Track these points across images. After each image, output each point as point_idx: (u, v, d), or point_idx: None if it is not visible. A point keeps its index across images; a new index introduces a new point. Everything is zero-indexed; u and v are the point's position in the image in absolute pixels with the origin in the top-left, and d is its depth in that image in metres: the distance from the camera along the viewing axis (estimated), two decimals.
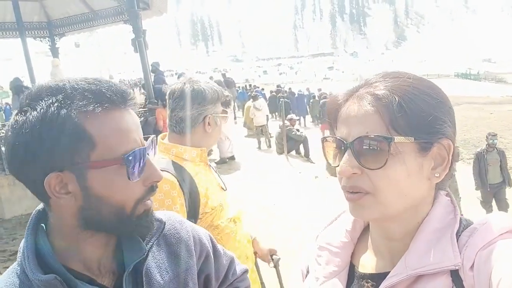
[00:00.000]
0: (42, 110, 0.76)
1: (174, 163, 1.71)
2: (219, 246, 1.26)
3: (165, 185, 1.59)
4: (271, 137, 13.25)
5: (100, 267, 0.90)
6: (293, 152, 11.89)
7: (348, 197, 0.82)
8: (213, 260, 1.18)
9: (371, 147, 0.77)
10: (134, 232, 0.90)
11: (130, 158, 0.81)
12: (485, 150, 8.08)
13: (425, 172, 0.79)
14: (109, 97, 0.81)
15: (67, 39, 10.60)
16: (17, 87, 8.78)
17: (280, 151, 11.53)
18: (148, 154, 0.88)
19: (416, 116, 0.77)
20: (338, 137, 0.83)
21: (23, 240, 0.85)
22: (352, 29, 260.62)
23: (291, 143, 11.59)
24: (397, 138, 0.76)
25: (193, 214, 1.68)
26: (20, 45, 9.37)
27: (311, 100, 21.06)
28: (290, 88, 26.89)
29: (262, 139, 13.26)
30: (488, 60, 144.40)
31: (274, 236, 5.06)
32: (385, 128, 0.77)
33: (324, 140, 0.88)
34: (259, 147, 12.89)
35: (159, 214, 1.03)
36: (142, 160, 0.85)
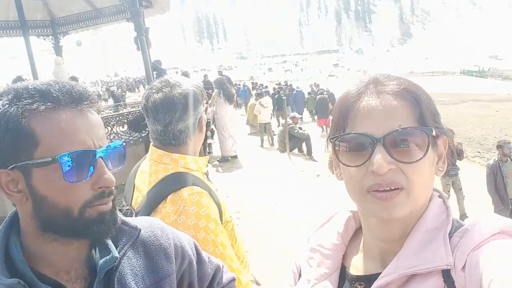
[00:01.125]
0: None
1: (189, 175, 1.59)
2: (204, 254, 1.25)
3: (204, 199, 1.51)
4: (274, 135, 13.23)
5: (71, 272, 0.89)
6: (296, 150, 11.86)
7: (381, 196, 0.77)
8: (196, 268, 1.17)
9: (408, 140, 0.77)
10: (85, 237, 0.88)
11: (65, 158, 0.80)
12: (499, 161, 7.01)
13: (434, 166, 0.82)
14: (55, 97, 0.81)
15: (69, 37, 10.59)
16: None
17: (282, 149, 11.50)
18: (102, 157, 0.86)
19: (431, 111, 0.81)
20: (361, 133, 0.79)
21: None
22: (357, 26, 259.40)
23: (294, 141, 11.55)
24: (435, 130, 0.79)
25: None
26: (24, 43, 9.41)
27: (307, 96, 21.45)
28: (290, 85, 27.18)
29: (265, 137, 13.25)
30: (494, 57, 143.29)
31: (273, 236, 5.05)
32: (415, 121, 0.78)
33: (335, 139, 0.85)
34: (262, 145, 12.88)
35: (136, 220, 1.03)
36: (87, 163, 0.83)
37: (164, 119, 1.58)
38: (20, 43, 9.55)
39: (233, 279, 1.37)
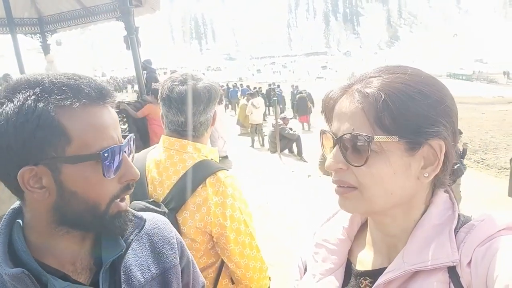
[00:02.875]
0: (18, 103, 0.75)
1: (216, 162, 1.70)
2: (197, 268, 1.25)
3: (236, 182, 1.63)
4: (264, 135, 13.26)
5: (77, 263, 0.89)
6: (286, 151, 11.89)
7: (335, 190, 0.84)
8: (192, 271, 1.17)
9: (354, 144, 0.78)
10: (108, 231, 0.89)
11: (106, 154, 0.80)
12: None
13: (413, 171, 0.79)
14: (87, 93, 0.80)
15: (50, 37, 10.37)
16: None
17: (273, 150, 11.52)
18: (125, 152, 0.87)
19: (403, 115, 0.75)
20: (330, 132, 0.84)
21: None
22: (345, 29, 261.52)
23: (284, 141, 11.59)
24: (378, 137, 0.76)
25: None
26: (11, 41, 9.25)
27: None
28: (278, 86, 28.03)
29: (256, 138, 13.26)
30: (480, 61, 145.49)
31: (268, 235, 5.04)
32: (369, 126, 0.77)
33: (322, 132, 0.89)
34: (252, 145, 12.88)
35: (140, 213, 1.02)
36: (118, 158, 0.84)
37: (189, 110, 1.63)
38: (6, 41, 9.38)
39: None
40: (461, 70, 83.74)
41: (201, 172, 1.58)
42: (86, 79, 0.83)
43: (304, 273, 1.03)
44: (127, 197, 1.70)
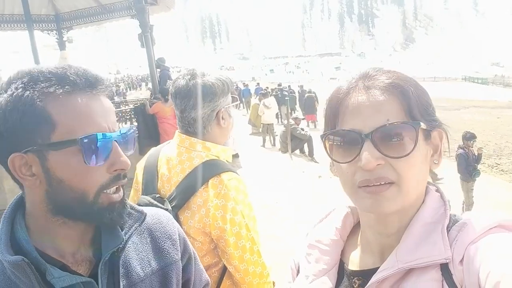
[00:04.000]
0: (10, 92, 0.79)
1: (225, 162, 1.67)
2: (201, 264, 1.25)
3: (241, 185, 1.60)
4: (276, 135, 13.27)
5: (76, 255, 0.90)
6: (297, 151, 11.87)
7: (371, 190, 0.77)
8: (194, 267, 1.17)
9: (396, 135, 0.76)
10: (99, 222, 0.89)
11: (86, 141, 0.80)
12: None
13: (428, 160, 0.81)
14: (72, 80, 0.82)
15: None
16: None
17: (284, 150, 11.51)
18: (116, 141, 0.86)
19: (423, 104, 0.79)
20: (350, 130, 0.80)
21: None
22: (360, 30, 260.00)
23: (295, 142, 11.57)
24: (423, 125, 0.77)
25: None
26: (28, 38, 9.39)
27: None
28: (289, 86, 27.95)
29: (267, 137, 13.27)
30: (496, 64, 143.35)
31: (274, 235, 5.05)
32: (404, 115, 0.77)
33: (325, 136, 0.85)
34: (264, 145, 12.89)
35: (142, 207, 1.03)
36: (104, 145, 0.83)
37: (180, 105, 1.65)
38: (23, 37, 9.54)
39: None
40: (477, 74, 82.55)
41: (205, 173, 1.57)
42: (76, 69, 0.84)
43: (297, 274, 1.03)
44: (133, 191, 1.72)
